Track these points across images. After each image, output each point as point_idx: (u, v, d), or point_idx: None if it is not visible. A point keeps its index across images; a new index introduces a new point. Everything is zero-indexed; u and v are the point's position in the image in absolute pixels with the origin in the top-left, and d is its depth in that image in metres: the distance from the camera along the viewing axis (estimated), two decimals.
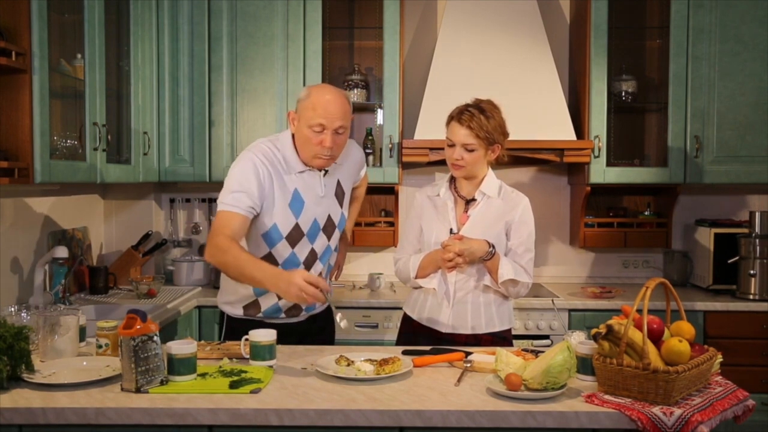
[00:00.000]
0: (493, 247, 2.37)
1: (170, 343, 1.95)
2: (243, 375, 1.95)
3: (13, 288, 2.85)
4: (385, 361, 1.97)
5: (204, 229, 4.03)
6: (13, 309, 2.40)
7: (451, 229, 2.45)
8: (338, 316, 2.09)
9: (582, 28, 3.74)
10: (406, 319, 2.58)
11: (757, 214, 3.50)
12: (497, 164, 2.50)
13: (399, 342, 2.58)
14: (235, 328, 2.45)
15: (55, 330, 2.09)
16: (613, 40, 3.68)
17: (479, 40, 3.68)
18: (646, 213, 3.91)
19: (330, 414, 1.74)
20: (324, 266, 2.48)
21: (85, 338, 2.30)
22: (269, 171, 2.31)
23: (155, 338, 1.88)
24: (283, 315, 2.45)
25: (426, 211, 2.53)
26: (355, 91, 3.81)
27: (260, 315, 2.45)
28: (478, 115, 2.36)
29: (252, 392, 1.83)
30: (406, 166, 3.84)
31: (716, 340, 3.32)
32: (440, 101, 3.29)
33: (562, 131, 3.56)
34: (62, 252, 2.91)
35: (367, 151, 3.78)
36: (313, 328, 2.52)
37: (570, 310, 3.43)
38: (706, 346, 1.93)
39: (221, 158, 3.64)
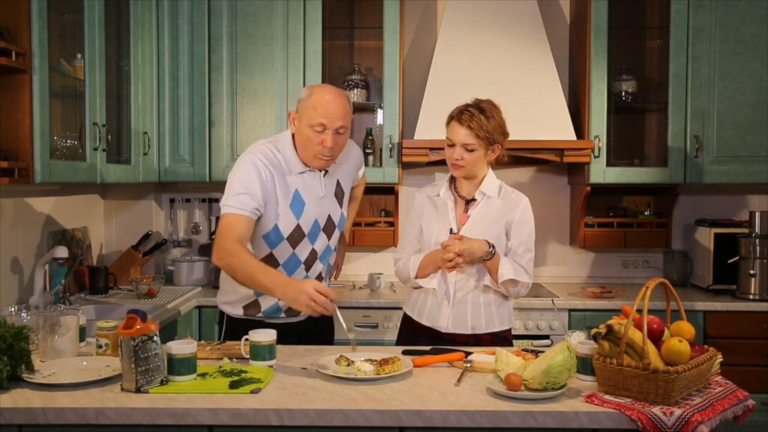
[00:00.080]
0: (493, 247, 2.37)
1: (170, 343, 1.95)
2: (243, 375, 1.95)
3: (13, 288, 2.85)
4: (385, 361, 1.97)
5: (204, 229, 4.03)
6: (13, 309, 2.40)
7: (451, 229, 2.45)
8: (351, 335, 2.17)
9: (582, 28, 3.74)
10: (406, 319, 2.58)
11: (757, 214, 3.50)
12: (497, 164, 2.50)
13: (399, 342, 2.58)
14: (235, 328, 2.45)
15: (55, 330, 2.09)
16: (613, 40, 3.68)
17: (479, 40, 3.68)
18: (646, 213, 3.91)
19: (330, 414, 1.74)
20: (324, 266, 2.49)
21: (85, 338, 2.30)
22: (271, 172, 2.31)
23: (155, 338, 1.88)
24: (283, 315, 2.45)
25: (426, 211, 2.53)
26: (355, 91, 3.81)
27: (260, 315, 2.45)
28: (478, 115, 2.36)
29: (252, 392, 1.83)
30: (406, 166, 3.84)
31: (716, 340, 3.32)
32: (440, 101, 3.29)
33: (562, 131, 3.56)
34: (62, 252, 2.91)
35: (367, 151, 3.78)
36: (313, 328, 2.52)
37: (570, 310, 3.43)
38: (706, 346, 1.93)
39: (221, 158, 3.64)
